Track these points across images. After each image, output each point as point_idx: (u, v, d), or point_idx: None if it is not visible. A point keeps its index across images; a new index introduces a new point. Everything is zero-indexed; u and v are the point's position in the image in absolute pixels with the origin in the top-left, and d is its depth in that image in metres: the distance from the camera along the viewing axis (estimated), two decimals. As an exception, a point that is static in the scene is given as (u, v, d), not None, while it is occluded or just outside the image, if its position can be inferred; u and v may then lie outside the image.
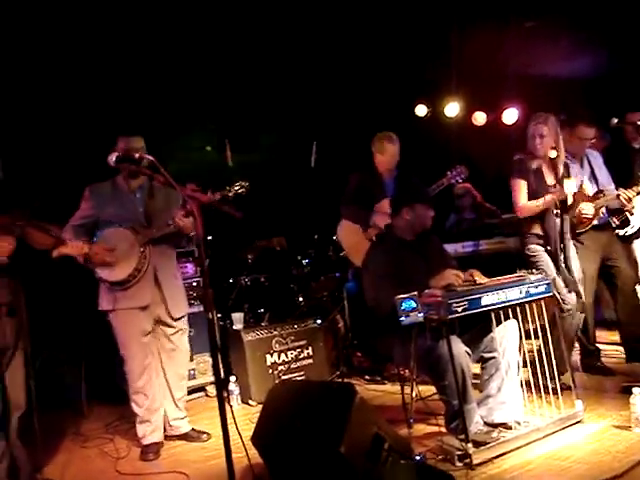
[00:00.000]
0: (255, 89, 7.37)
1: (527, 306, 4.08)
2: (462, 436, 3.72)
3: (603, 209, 5.36)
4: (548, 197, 4.92)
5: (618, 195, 5.24)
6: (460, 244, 6.70)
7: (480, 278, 4.11)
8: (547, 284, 4.15)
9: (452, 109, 8.22)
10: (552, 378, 4.10)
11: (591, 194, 5.31)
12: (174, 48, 6.24)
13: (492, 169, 7.14)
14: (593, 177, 5.46)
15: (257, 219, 7.11)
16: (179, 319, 4.62)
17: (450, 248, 5.97)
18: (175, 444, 4.67)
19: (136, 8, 5.60)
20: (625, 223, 5.60)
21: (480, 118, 8.35)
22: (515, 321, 4.17)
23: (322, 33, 6.75)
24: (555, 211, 5.01)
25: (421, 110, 8.40)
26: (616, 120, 5.15)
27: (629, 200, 5.22)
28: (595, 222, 5.34)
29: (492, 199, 7.59)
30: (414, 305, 3.61)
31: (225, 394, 5.23)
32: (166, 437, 4.69)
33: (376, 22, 6.70)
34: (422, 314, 3.63)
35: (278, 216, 7.36)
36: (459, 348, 3.82)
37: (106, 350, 4.99)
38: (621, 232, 5.60)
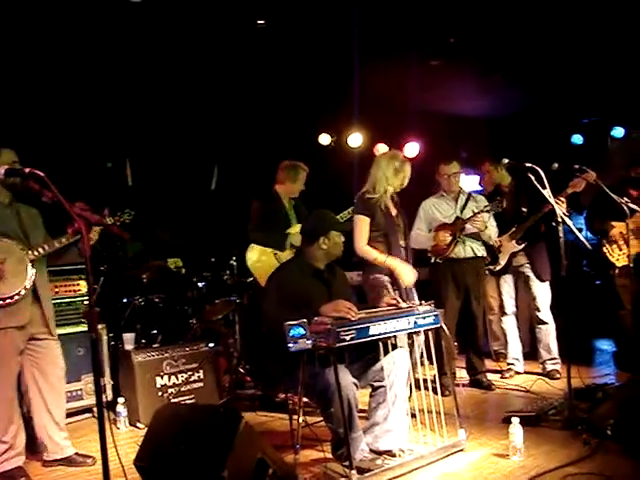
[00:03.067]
0: (159, 109, 7.33)
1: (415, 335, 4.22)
2: (347, 463, 3.76)
3: (476, 246, 5.90)
4: (389, 262, 5.12)
5: (469, 218, 5.79)
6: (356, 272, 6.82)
7: (401, 303, 4.29)
8: (435, 315, 4.27)
9: (355, 140, 8.37)
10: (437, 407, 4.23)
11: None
12: (73, 61, 6.17)
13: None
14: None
15: (155, 239, 7.05)
16: (54, 336, 4.46)
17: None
18: (56, 469, 4.43)
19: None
20: (494, 260, 6.28)
21: (382, 150, 8.53)
22: (404, 350, 4.29)
23: (229, 57, 6.79)
24: (401, 242, 5.31)
25: (324, 139, 8.53)
26: (557, 164, 5.41)
27: (478, 221, 5.74)
28: (462, 254, 5.90)
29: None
30: (303, 332, 3.63)
31: (112, 416, 5.23)
32: (45, 462, 4.47)
33: (282, 50, 6.78)
34: (310, 341, 3.65)
35: (176, 236, 7.30)
36: (346, 379, 3.86)
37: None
38: (491, 267, 6.33)
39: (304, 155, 6.28)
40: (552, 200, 4.97)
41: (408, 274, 5.10)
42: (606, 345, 7.67)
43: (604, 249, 6.43)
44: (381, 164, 5.27)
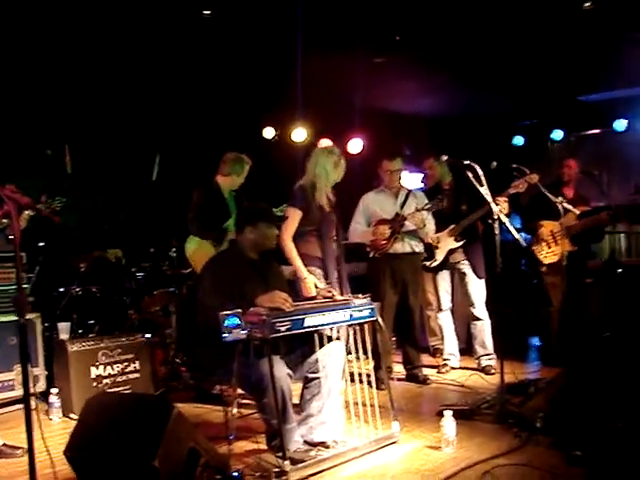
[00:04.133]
0: (102, 97, 7.23)
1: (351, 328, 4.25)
2: (280, 454, 3.77)
3: (414, 243, 5.96)
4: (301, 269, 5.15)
5: (409, 214, 5.84)
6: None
7: (337, 296, 4.36)
8: (371, 309, 4.30)
9: (299, 134, 8.37)
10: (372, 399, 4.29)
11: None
12: (9, 47, 6.04)
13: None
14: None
15: (94, 229, 6.95)
16: None
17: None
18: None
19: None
20: (430, 256, 6.34)
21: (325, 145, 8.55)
22: (340, 343, 4.31)
23: (174, 46, 6.72)
24: (334, 237, 5.38)
25: (268, 133, 8.52)
26: (495, 163, 5.47)
27: (416, 218, 5.81)
28: (401, 250, 5.94)
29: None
30: (238, 322, 3.62)
31: (46, 407, 5.14)
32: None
33: (227, 41, 6.74)
34: (245, 332, 3.65)
35: (116, 227, 7.20)
36: (281, 370, 3.87)
37: None
38: (427, 263, 6.36)
39: (247, 148, 6.25)
40: (489, 198, 5.05)
41: (309, 289, 5.09)
42: (539, 342, 7.84)
43: (533, 247, 6.61)
44: (320, 158, 5.29)
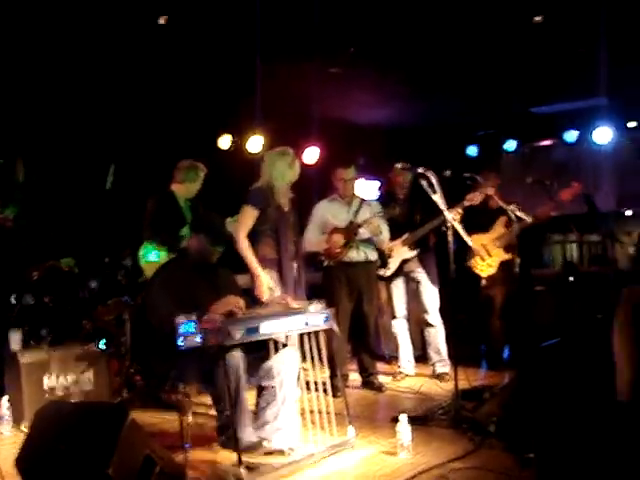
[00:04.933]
0: (55, 106, 7.15)
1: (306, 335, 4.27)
2: (233, 445, 3.77)
3: (368, 251, 6.00)
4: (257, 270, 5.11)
5: (364, 222, 5.87)
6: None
7: (292, 303, 4.37)
8: (326, 315, 4.32)
9: (255, 143, 8.36)
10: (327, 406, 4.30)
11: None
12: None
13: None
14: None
15: (47, 238, 6.85)
16: None
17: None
18: None
19: None
20: (385, 264, 6.33)
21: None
22: (295, 350, 4.33)
23: (129, 54, 6.68)
24: (292, 238, 5.36)
25: (224, 142, 8.50)
26: (449, 172, 5.50)
27: (372, 226, 5.84)
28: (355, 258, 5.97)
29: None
30: (193, 329, 3.63)
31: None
32: None
33: (184, 49, 6.73)
34: (200, 338, 3.65)
35: (69, 236, 7.12)
36: (234, 355, 3.90)
37: None
38: (381, 272, 6.37)
39: (203, 156, 6.25)
40: (443, 206, 5.11)
41: (263, 291, 5.07)
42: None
43: (467, 263, 6.65)
44: (275, 160, 5.31)
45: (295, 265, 5.33)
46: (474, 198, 5.94)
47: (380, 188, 7.28)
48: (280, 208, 5.29)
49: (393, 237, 6.27)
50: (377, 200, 6.57)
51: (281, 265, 5.23)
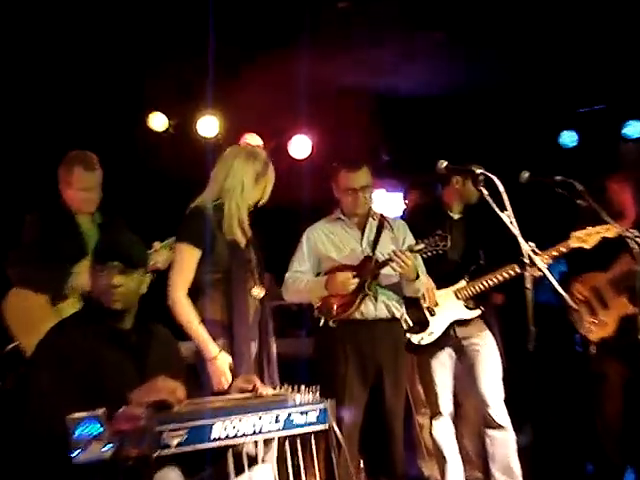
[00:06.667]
0: None
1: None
2: None
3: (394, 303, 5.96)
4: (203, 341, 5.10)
5: (397, 256, 5.68)
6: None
7: (263, 388, 4.33)
8: (322, 410, 4.15)
9: (208, 126, 8.76)
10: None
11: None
12: None
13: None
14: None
15: None
16: None
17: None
18: None
19: None
20: (422, 326, 6.17)
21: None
22: (270, 467, 4.23)
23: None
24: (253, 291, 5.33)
25: (157, 122, 8.65)
26: (528, 173, 5.34)
27: (405, 265, 5.67)
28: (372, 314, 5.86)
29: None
30: (99, 431, 3.53)
31: None
32: None
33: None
34: (111, 446, 3.55)
35: None
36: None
37: None
38: (414, 338, 6.22)
39: (121, 143, 6.25)
40: (516, 231, 4.85)
41: (223, 374, 5.05)
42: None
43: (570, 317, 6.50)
44: (234, 165, 5.24)
45: (260, 335, 5.33)
46: (592, 237, 5.84)
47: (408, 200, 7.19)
48: (234, 243, 5.21)
49: (438, 283, 6.18)
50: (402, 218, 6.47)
51: (232, 332, 5.14)
